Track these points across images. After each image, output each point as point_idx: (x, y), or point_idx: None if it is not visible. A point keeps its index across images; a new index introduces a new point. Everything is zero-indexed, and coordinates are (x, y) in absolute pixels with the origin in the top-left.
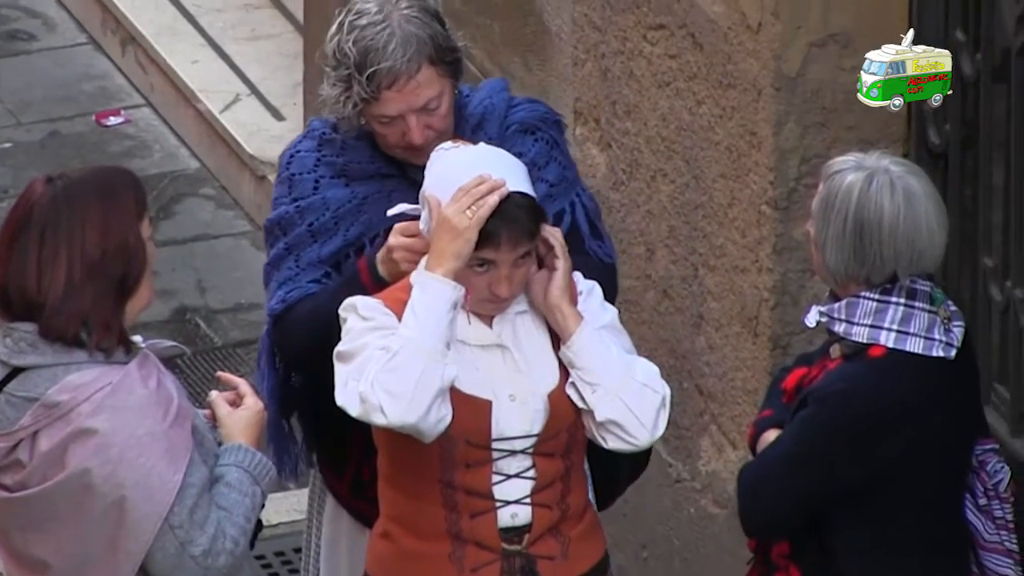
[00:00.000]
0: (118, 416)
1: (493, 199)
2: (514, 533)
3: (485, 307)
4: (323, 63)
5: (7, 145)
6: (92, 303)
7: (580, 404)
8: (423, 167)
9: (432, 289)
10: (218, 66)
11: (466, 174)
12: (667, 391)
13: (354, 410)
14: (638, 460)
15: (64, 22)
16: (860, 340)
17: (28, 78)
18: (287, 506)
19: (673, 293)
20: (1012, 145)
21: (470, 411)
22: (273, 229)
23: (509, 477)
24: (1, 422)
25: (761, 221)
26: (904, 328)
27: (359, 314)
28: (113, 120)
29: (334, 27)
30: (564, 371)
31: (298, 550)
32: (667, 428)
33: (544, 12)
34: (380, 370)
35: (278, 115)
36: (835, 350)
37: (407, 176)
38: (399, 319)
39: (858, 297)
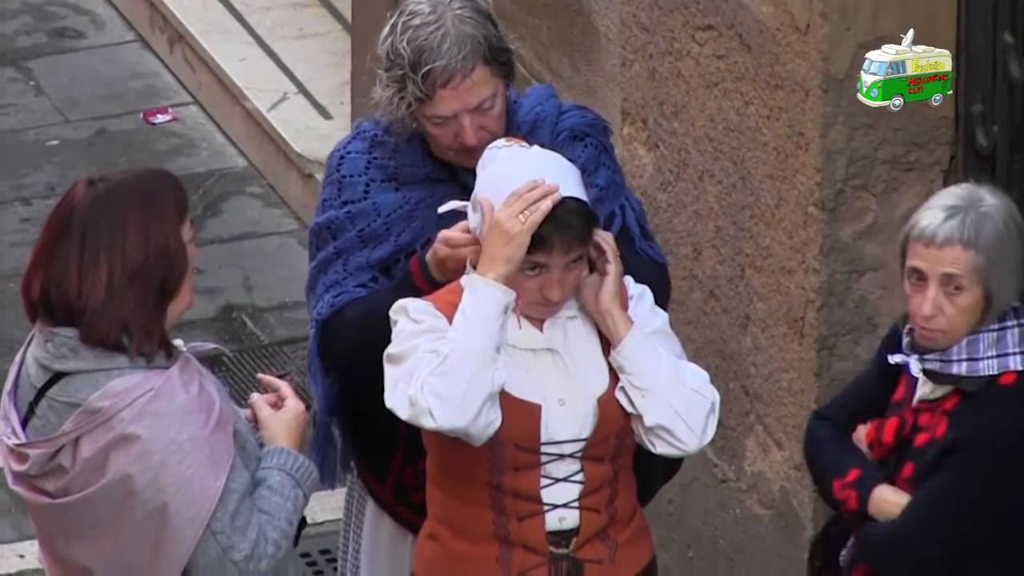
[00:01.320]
0: (160, 422)
1: (546, 204)
2: (561, 537)
3: (536, 311)
4: (375, 65)
5: (54, 143)
6: (133, 308)
7: (629, 409)
8: (475, 171)
9: (483, 293)
10: (266, 64)
11: (520, 177)
12: (716, 397)
13: (403, 413)
14: (673, 460)
15: (112, 20)
16: (990, 372)
17: (76, 76)
18: (333, 504)
19: (719, 293)
20: None
21: (520, 415)
22: (321, 232)
23: (557, 481)
24: (44, 427)
25: (808, 222)
26: (1022, 347)
27: (410, 316)
28: (160, 118)
29: (386, 29)
30: (614, 376)
31: None
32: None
33: (592, 12)
34: (430, 373)
35: (325, 114)
36: (926, 391)
37: (459, 180)
38: (450, 322)
39: (978, 333)
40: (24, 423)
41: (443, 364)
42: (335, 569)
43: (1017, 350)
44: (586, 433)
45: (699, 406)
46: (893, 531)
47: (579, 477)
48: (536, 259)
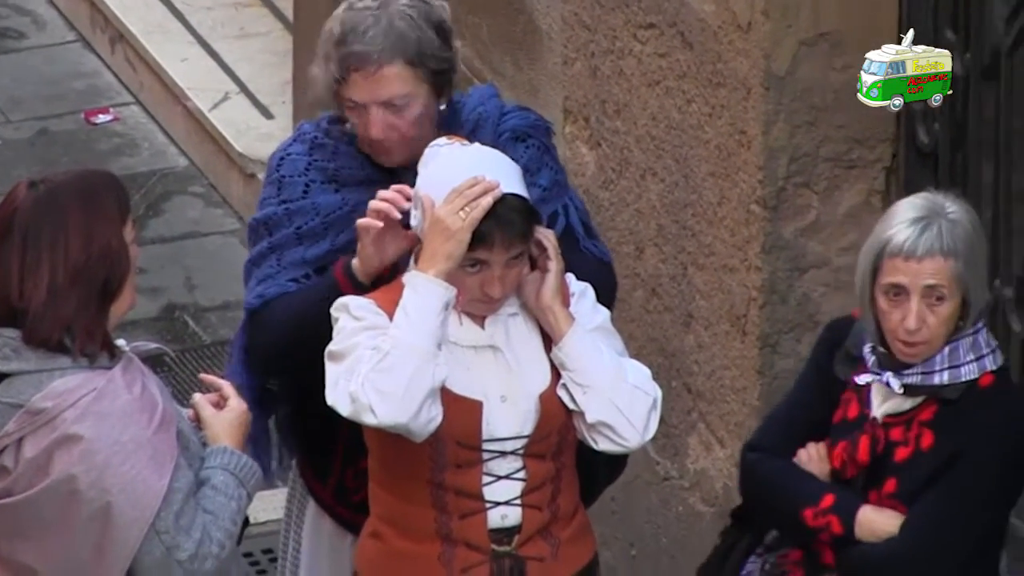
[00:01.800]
0: (103, 422)
1: (487, 201)
2: (504, 534)
3: (477, 307)
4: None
5: None
6: (75, 309)
7: (571, 406)
8: (413, 171)
9: (424, 290)
10: (207, 64)
11: (461, 174)
12: (658, 393)
13: (344, 409)
14: (617, 462)
15: (53, 20)
16: (971, 377)
17: (17, 76)
18: (275, 503)
19: (662, 292)
20: (1000, 145)
21: (461, 412)
22: (258, 228)
23: (499, 478)
24: None
25: (750, 220)
26: (991, 345)
27: (351, 314)
28: (102, 118)
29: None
30: (555, 372)
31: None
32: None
33: (534, 11)
34: (371, 370)
35: (267, 113)
36: (890, 406)
37: (398, 182)
38: (391, 319)
39: (957, 340)
40: None
41: (384, 360)
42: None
43: (989, 350)
44: (528, 430)
45: (641, 402)
46: (897, 549)
47: (521, 474)
48: (477, 255)
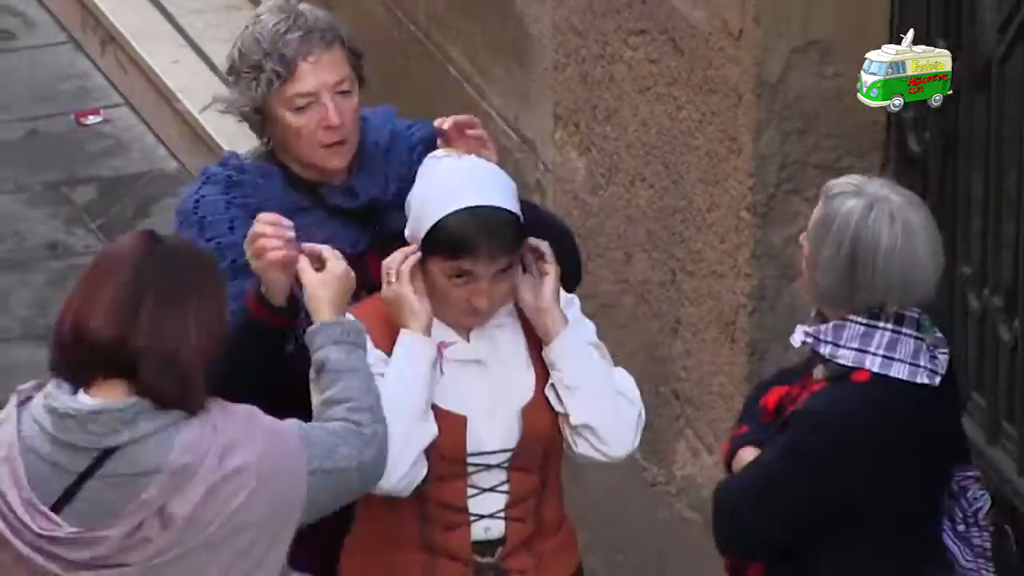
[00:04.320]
0: (239, 450)
1: (408, 264)
2: (487, 547)
3: (464, 321)
4: (227, 75)
5: None
6: (202, 369)
7: (558, 407)
8: (341, 192)
9: (410, 347)
10: (197, 67)
11: (458, 185)
12: (643, 409)
13: None
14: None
15: (44, 21)
16: (846, 363)
17: (7, 76)
18: None
19: (651, 298)
20: (991, 154)
21: (446, 426)
22: None
23: (484, 491)
24: (98, 507)
25: (740, 227)
26: (890, 353)
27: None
28: (92, 119)
29: (233, 44)
30: (540, 385)
31: None
32: (643, 432)
33: (525, 16)
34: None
35: None
36: (819, 371)
37: (325, 205)
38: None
39: (846, 320)
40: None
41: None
42: None
43: (880, 352)
44: (512, 444)
45: (627, 413)
46: (725, 489)
47: (505, 487)
48: (462, 265)
